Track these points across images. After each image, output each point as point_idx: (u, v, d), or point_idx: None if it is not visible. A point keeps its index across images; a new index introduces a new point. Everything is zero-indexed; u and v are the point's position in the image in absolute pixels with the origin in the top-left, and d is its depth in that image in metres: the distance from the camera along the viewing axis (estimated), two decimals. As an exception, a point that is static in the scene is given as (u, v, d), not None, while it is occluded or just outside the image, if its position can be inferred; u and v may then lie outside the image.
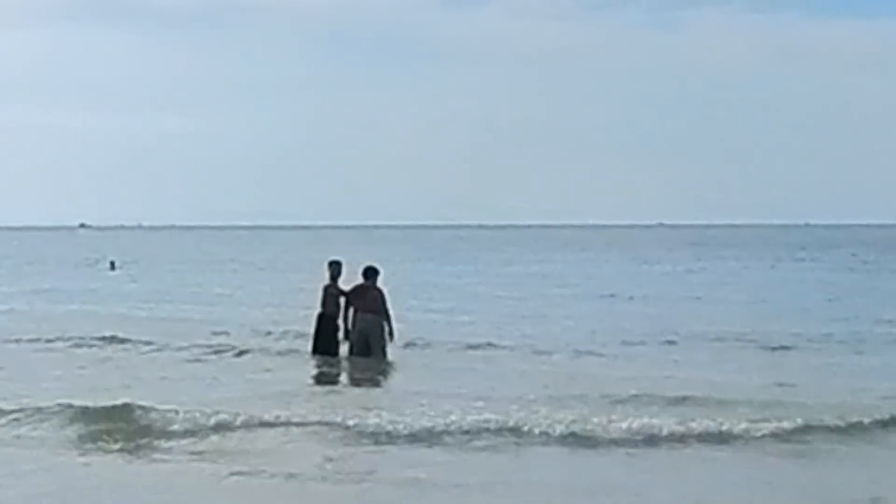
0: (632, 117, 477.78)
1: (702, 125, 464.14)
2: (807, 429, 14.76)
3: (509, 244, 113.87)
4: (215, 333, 26.38)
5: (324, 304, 21.67)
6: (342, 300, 21.33)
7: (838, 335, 26.42)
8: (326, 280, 21.75)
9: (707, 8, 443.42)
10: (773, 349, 24.17)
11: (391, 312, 21.33)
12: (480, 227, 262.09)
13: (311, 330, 21.94)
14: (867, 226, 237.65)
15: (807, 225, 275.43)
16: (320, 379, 20.61)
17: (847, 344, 25.15)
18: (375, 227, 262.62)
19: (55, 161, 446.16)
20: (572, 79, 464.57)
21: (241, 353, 23.62)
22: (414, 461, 13.53)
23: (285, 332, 26.16)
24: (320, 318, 21.73)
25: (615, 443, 14.33)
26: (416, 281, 45.18)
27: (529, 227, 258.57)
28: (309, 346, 22.00)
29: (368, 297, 21.15)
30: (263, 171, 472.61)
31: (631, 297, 38.45)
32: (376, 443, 14.37)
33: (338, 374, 20.91)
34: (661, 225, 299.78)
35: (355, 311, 21.22)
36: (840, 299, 37.25)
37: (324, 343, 21.68)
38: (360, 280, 21.53)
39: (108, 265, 64.25)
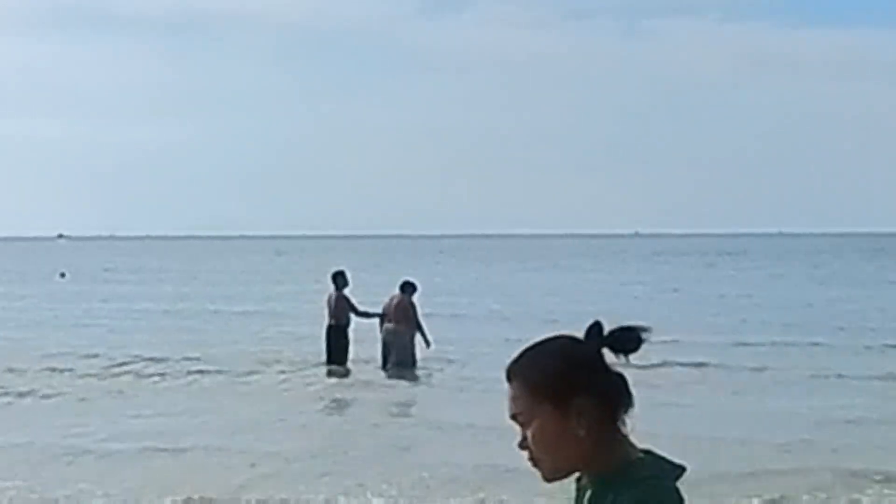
0: (606, 126, 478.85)
1: (676, 134, 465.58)
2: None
3: (472, 254, 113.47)
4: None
5: (330, 315, 21.82)
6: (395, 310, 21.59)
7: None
8: (332, 291, 21.89)
9: (680, 17, 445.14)
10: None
11: (423, 323, 21.55)
12: (458, 236, 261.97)
13: (322, 340, 22.08)
14: (841, 234, 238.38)
15: (779, 233, 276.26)
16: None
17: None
18: (354, 237, 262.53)
19: (34, 171, 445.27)
20: (546, 87, 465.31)
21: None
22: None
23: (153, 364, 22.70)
24: (329, 329, 21.89)
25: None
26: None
27: (503, 236, 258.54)
28: (323, 356, 22.06)
29: (392, 308, 21.45)
30: (242, 181, 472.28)
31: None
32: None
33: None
34: (638, 234, 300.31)
35: (382, 322, 21.62)
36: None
37: (335, 353, 21.80)
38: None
39: (59, 275, 67.90)
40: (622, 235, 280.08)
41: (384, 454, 13.86)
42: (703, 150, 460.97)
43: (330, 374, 21.29)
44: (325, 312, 21.94)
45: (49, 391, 19.70)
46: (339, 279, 21.88)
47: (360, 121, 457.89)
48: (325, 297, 22.08)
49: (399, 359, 21.44)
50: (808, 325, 30.00)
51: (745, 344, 25.74)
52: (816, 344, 25.86)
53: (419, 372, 21.39)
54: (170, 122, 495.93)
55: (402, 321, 21.42)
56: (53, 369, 22.27)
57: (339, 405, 18.47)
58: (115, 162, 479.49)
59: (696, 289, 49.19)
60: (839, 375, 20.89)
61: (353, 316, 21.77)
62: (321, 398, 19.00)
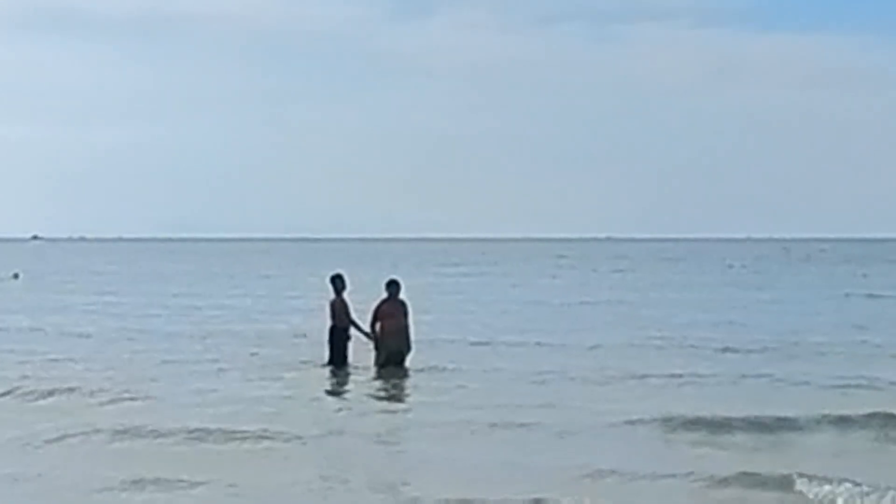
0: (578, 131, 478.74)
1: (648, 139, 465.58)
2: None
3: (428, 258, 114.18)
4: None
5: (333, 317, 22.30)
6: (371, 315, 21.86)
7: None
8: (332, 295, 22.36)
9: (650, 23, 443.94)
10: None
11: (411, 324, 22.02)
12: (426, 240, 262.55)
13: (325, 343, 22.51)
14: (810, 239, 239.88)
15: (748, 239, 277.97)
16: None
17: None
18: (326, 240, 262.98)
19: (8, 172, 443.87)
20: (516, 92, 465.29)
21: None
22: None
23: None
24: (332, 330, 22.36)
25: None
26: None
27: (475, 240, 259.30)
28: (325, 357, 22.47)
29: (390, 311, 21.87)
30: (212, 184, 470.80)
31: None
32: None
33: None
34: (609, 238, 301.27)
35: (382, 328, 21.92)
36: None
37: (336, 354, 22.28)
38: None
39: (11, 276, 67.73)
40: (595, 239, 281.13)
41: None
42: (675, 155, 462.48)
43: (332, 374, 21.77)
44: (328, 314, 22.42)
45: None
46: (338, 282, 22.36)
47: (330, 124, 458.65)
48: (329, 301, 22.46)
49: (386, 359, 21.88)
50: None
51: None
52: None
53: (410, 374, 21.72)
54: (141, 123, 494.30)
55: (389, 323, 21.88)
56: None
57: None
58: (88, 163, 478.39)
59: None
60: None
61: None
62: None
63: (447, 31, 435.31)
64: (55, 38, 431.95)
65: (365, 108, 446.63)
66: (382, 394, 20.15)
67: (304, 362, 23.45)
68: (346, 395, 20.30)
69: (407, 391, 20.54)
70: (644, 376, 21.63)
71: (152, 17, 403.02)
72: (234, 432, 15.78)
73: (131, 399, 18.98)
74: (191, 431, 15.85)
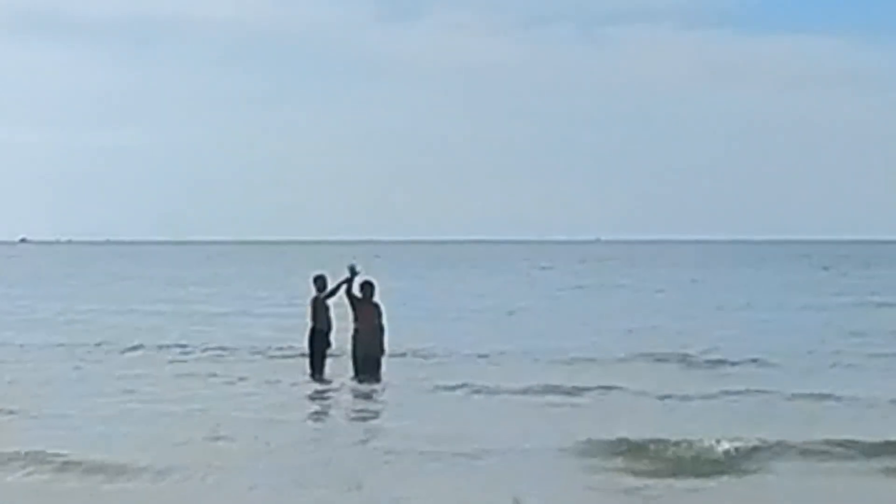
0: (566, 133, 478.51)
1: (636, 141, 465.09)
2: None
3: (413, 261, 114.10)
4: None
5: (314, 318, 22.07)
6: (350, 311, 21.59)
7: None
8: (313, 294, 22.13)
9: (638, 24, 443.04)
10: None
11: (385, 326, 21.64)
12: (417, 242, 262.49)
13: (305, 345, 22.27)
14: (799, 241, 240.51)
15: (733, 240, 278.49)
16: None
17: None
18: (313, 242, 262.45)
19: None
20: (504, 94, 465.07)
21: None
22: None
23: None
24: (312, 333, 22.10)
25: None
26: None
27: (464, 242, 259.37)
28: (306, 363, 22.20)
29: (365, 313, 21.56)
30: (201, 186, 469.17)
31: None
32: None
33: None
34: (599, 240, 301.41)
35: (356, 330, 21.60)
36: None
37: (316, 359, 22.01)
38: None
39: None
40: (584, 242, 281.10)
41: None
42: (666, 156, 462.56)
43: (306, 392, 21.05)
44: (308, 315, 22.20)
45: None
46: (319, 283, 22.15)
47: (318, 127, 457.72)
48: (310, 298, 22.23)
49: (363, 365, 21.61)
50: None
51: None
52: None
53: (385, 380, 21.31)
54: (132, 126, 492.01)
55: (364, 324, 21.63)
56: None
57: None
58: (78, 166, 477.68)
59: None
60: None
61: (333, 320, 22.04)
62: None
63: (436, 32, 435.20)
64: (44, 42, 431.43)
65: (354, 109, 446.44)
66: (356, 414, 19.13)
67: (274, 374, 22.90)
68: (317, 415, 19.15)
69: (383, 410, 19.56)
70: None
71: (141, 20, 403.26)
72: (169, 468, 13.39)
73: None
74: (97, 465, 13.66)
